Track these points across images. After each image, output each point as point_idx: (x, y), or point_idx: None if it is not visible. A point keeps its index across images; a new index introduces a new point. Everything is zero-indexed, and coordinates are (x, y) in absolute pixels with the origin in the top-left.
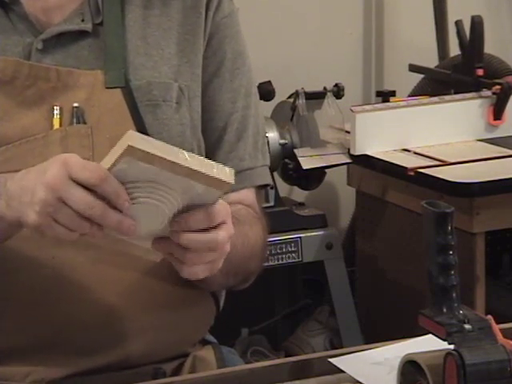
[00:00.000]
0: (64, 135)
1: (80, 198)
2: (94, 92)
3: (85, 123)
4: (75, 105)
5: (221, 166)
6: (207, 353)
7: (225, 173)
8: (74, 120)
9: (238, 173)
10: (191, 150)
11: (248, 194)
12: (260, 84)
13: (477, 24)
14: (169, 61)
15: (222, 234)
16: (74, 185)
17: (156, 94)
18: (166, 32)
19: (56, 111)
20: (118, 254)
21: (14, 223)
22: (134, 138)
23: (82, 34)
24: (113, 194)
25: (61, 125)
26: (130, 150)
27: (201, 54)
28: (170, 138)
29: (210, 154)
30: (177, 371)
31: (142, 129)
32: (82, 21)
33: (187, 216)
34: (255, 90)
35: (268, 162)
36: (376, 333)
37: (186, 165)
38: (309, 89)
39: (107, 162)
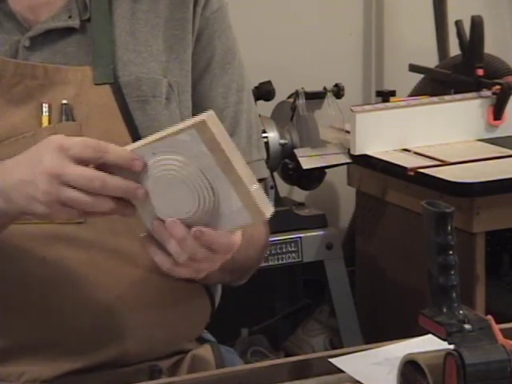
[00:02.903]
0: (53, 133)
1: (79, 174)
2: (82, 88)
3: (74, 120)
4: (64, 102)
5: (267, 200)
6: (205, 352)
7: (266, 206)
8: (63, 117)
9: None
10: None
11: None
12: (260, 84)
13: (477, 24)
14: (157, 57)
15: (217, 260)
16: (71, 164)
17: (145, 89)
18: (154, 28)
19: (45, 109)
20: (110, 253)
21: (16, 216)
22: (211, 119)
23: (69, 31)
24: (119, 159)
25: (50, 122)
26: (202, 126)
27: (190, 49)
28: None
29: None
30: (173, 368)
31: (131, 125)
32: (70, 17)
33: (213, 237)
34: (248, 85)
35: (264, 156)
36: (376, 333)
37: (239, 172)
38: (309, 89)
39: (170, 130)
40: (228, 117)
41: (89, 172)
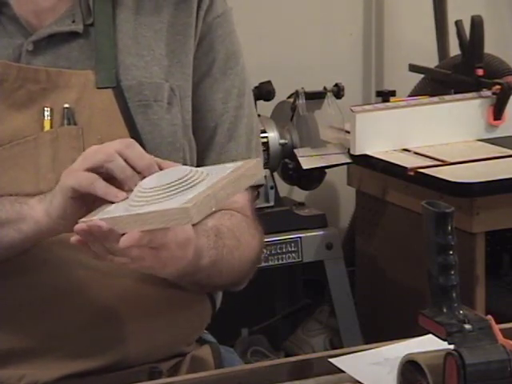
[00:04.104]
0: (55, 137)
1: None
2: (84, 92)
3: (75, 124)
4: (66, 106)
5: (202, 214)
6: (205, 352)
7: (197, 213)
8: (65, 121)
9: None
10: (182, 150)
11: (239, 196)
12: (260, 84)
13: (477, 24)
14: (160, 61)
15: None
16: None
17: (147, 94)
18: (157, 33)
19: (47, 112)
20: None
21: (44, 222)
22: (259, 164)
23: (72, 35)
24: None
25: (51, 126)
26: (251, 163)
27: (192, 54)
28: (161, 138)
29: (202, 155)
30: (173, 370)
31: (133, 129)
32: (73, 22)
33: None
34: (249, 90)
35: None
36: (376, 333)
37: (220, 193)
38: (309, 89)
39: None
40: (227, 122)
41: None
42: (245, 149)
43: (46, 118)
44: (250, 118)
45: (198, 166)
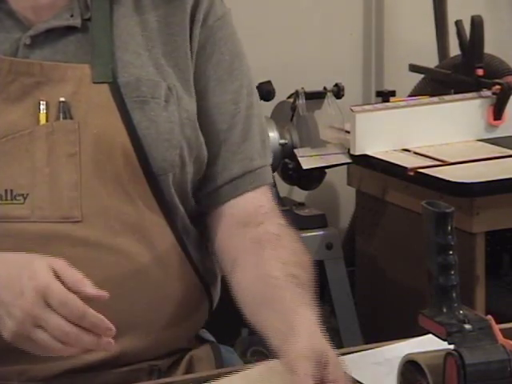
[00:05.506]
0: (50, 131)
1: (55, 325)
2: (81, 86)
3: (71, 118)
4: (62, 99)
5: None
6: (205, 351)
7: None
8: (61, 115)
9: (250, 172)
10: (179, 148)
11: (264, 194)
12: (260, 84)
13: (477, 24)
14: (156, 61)
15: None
16: (50, 311)
17: (144, 90)
18: (153, 32)
19: (42, 106)
20: (108, 251)
21: None
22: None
23: (70, 30)
24: (93, 327)
25: (47, 120)
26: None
27: (189, 55)
28: (158, 134)
29: (215, 157)
30: (172, 368)
31: (129, 124)
32: (71, 16)
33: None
34: (255, 90)
35: (271, 162)
36: (376, 333)
37: None
38: (309, 89)
39: None
40: (239, 122)
41: (65, 327)
42: (260, 147)
43: (41, 111)
44: (260, 118)
45: (211, 164)
